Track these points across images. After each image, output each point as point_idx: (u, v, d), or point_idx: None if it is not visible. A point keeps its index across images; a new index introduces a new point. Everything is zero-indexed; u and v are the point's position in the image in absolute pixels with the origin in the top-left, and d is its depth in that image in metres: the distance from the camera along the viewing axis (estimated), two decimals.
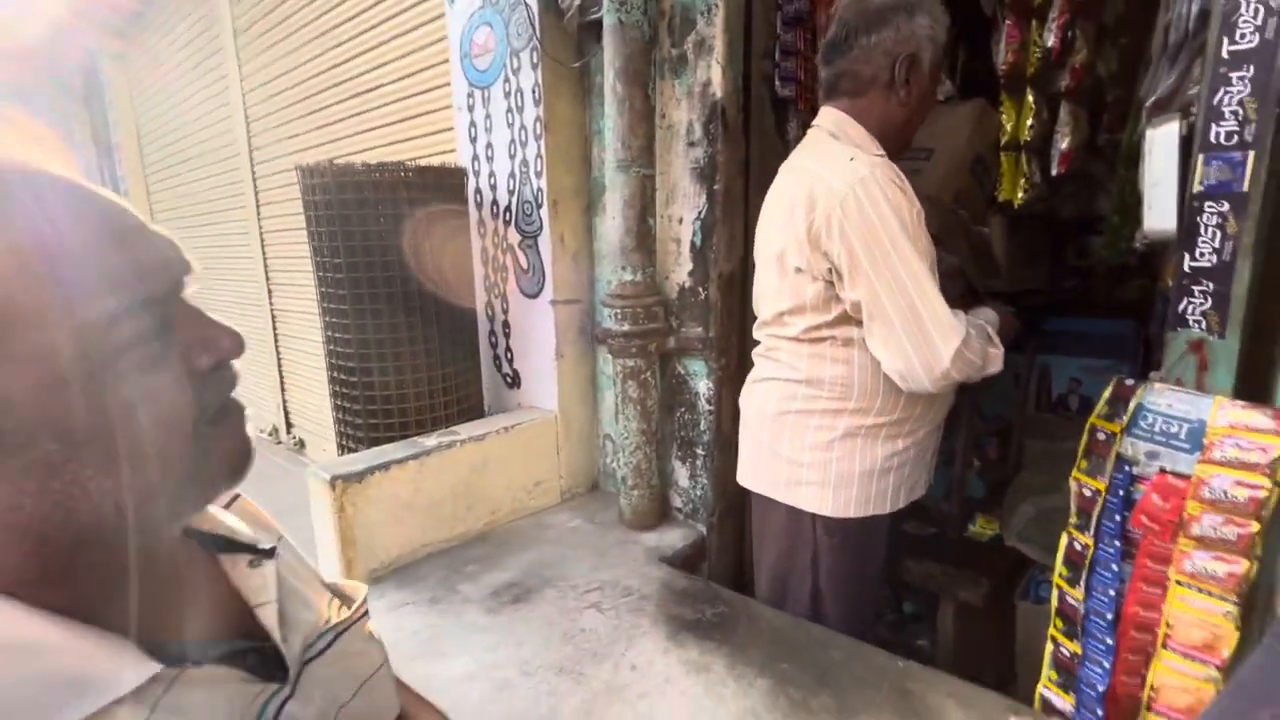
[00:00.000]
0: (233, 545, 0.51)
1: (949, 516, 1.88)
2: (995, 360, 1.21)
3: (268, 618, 0.48)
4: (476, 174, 2.05)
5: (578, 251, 1.97)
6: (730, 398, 1.81)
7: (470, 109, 2.02)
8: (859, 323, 1.18)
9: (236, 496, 0.55)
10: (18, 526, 0.35)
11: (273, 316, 3.77)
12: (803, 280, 1.22)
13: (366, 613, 0.58)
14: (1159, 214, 1.09)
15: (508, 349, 2.12)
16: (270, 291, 3.74)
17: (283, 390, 3.85)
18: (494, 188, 2.02)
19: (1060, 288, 2.53)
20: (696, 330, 1.77)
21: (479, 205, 2.08)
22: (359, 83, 2.66)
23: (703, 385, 1.80)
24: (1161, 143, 1.06)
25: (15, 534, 0.35)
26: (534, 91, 1.81)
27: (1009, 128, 1.91)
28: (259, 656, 0.45)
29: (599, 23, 1.70)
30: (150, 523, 0.39)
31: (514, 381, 2.13)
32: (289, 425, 3.88)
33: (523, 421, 1.92)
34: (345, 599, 0.58)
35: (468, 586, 1.55)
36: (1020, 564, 1.77)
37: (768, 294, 1.32)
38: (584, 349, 2.03)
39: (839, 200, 1.12)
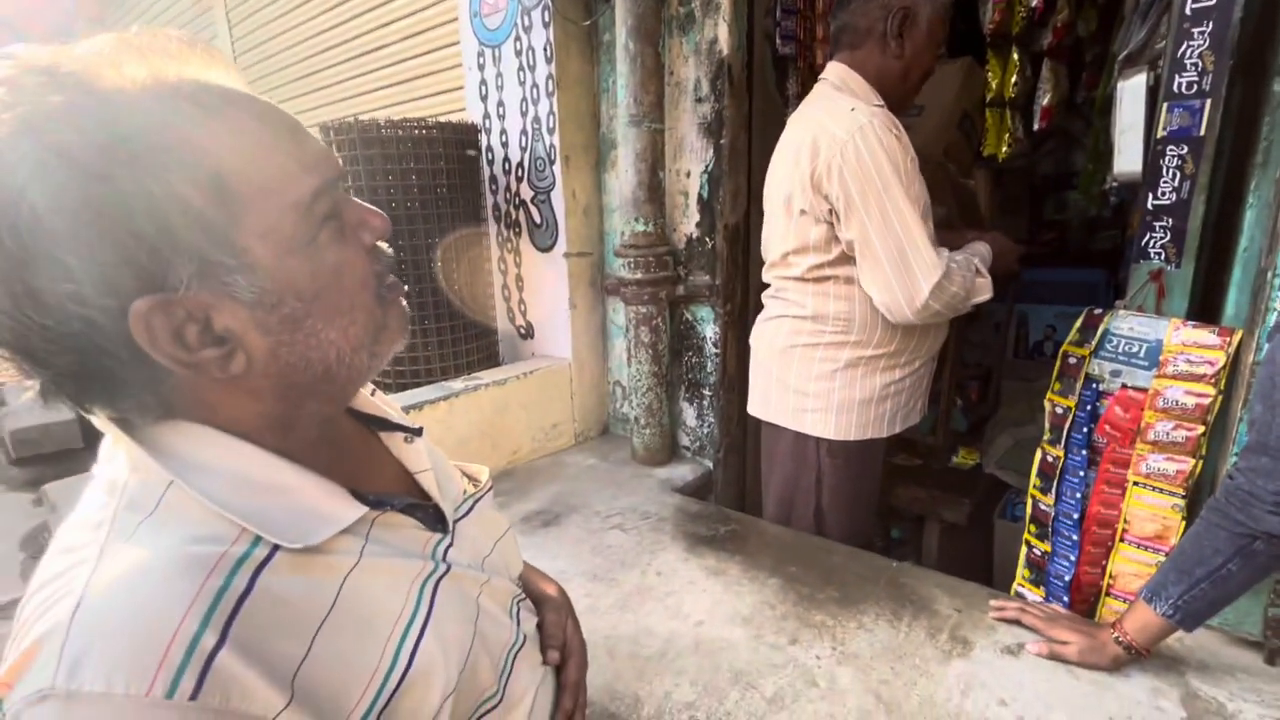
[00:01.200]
0: (388, 425, 0.61)
1: (934, 449, 2.05)
2: (982, 289, 1.34)
3: (428, 482, 0.59)
4: (488, 131, 2.12)
5: (588, 206, 2.06)
6: (735, 341, 1.94)
7: (481, 67, 2.08)
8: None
9: (375, 389, 0.65)
10: (274, 373, 0.44)
11: None
12: (806, 222, 1.33)
13: (492, 487, 0.70)
14: (1127, 158, 1.22)
15: (521, 301, 2.22)
16: None
17: None
18: (505, 145, 2.09)
19: (1038, 239, 2.68)
20: (704, 278, 1.89)
21: (490, 162, 2.15)
22: (359, 43, 2.68)
23: (709, 330, 1.93)
24: (1131, 92, 1.19)
25: (272, 380, 0.44)
26: (545, 49, 1.88)
27: (994, 84, 2.03)
28: (423, 512, 0.55)
29: None
30: (356, 372, 0.49)
31: (527, 333, 2.24)
32: None
33: (539, 368, 2.04)
34: (471, 478, 0.69)
35: None
36: (998, 489, 1.95)
37: (775, 236, 1.44)
38: (594, 300, 2.14)
39: (839, 147, 1.23)
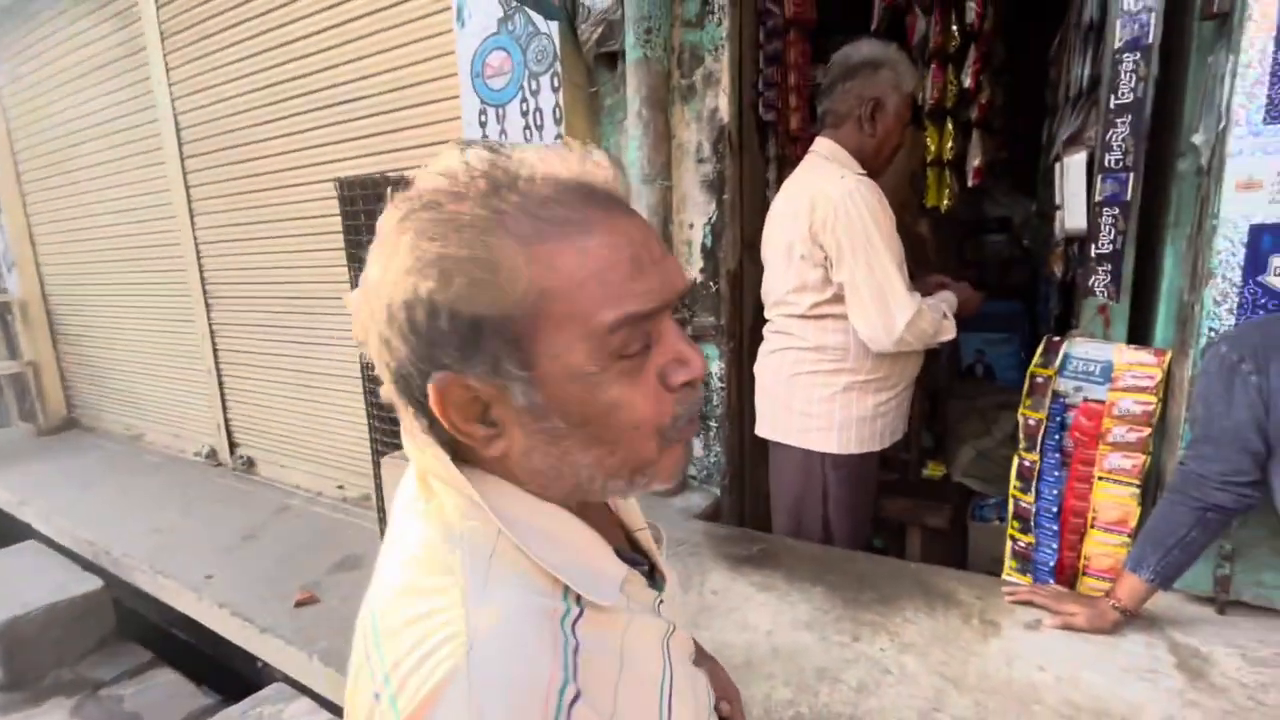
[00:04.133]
0: None
1: (908, 463, 2.31)
2: (947, 329, 1.63)
3: (647, 541, 0.59)
4: None
5: None
6: (737, 376, 2.12)
7: (483, 125, 2.18)
8: None
9: None
10: (526, 468, 0.46)
11: (211, 331, 3.59)
12: (805, 266, 1.58)
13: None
14: (1074, 217, 1.53)
15: None
16: (208, 305, 3.56)
17: (224, 409, 3.67)
18: None
19: (961, 276, 3.09)
20: (709, 319, 2.06)
21: None
22: (333, 94, 2.69)
23: (714, 366, 2.10)
24: (1075, 167, 1.50)
25: (526, 472, 0.46)
26: (554, 112, 2.02)
27: (933, 148, 2.38)
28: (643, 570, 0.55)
29: (612, 54, 1.96)
30: (607, 493, 0.48)
31: None
32: (232, 445, 3.70)
33: None
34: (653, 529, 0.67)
35: None
36: (964, 495, 2.22)
37: (777, 279, 1.68)
38: None
39: (834, 206, 1.50)
